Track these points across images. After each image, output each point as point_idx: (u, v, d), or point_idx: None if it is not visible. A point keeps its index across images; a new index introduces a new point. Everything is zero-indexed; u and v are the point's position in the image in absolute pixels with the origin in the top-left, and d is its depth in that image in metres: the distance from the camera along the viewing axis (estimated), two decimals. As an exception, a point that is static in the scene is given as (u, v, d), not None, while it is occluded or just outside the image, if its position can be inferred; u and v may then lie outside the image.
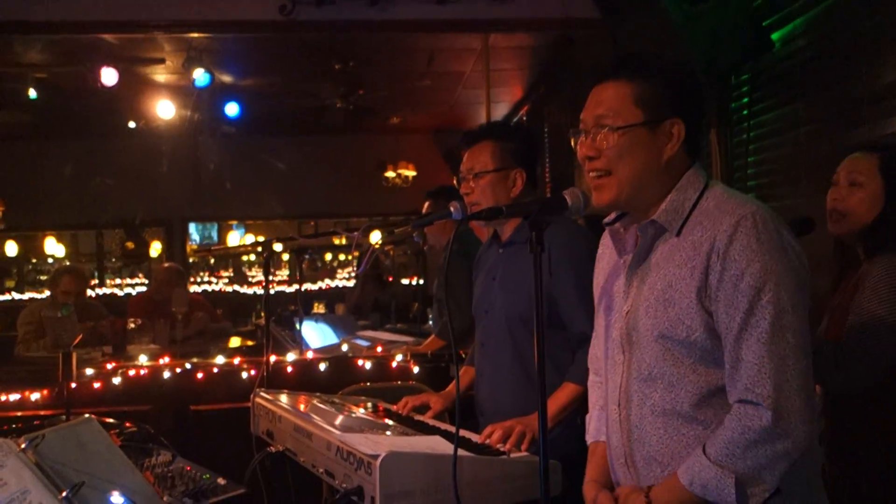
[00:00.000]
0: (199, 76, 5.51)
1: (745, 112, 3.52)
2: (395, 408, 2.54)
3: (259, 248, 2.78)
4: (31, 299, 9.72)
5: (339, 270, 11.58)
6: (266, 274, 2.79)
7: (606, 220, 1.72)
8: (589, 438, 1.86)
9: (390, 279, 7.47)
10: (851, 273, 2.13)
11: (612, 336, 1.67)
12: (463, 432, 2.17)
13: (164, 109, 6.36)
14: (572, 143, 1.65)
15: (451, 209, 2.38)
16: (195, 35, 5.09)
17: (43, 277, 11.06)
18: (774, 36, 3.24)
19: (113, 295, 10.01)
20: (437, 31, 4.83)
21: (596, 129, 1.58)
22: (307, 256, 6.96)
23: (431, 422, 2.41)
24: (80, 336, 2.90)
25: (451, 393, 2.57)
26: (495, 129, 2.50)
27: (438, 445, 1.93)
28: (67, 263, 9.56)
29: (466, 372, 2.65)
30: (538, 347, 1.51)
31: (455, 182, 2.61)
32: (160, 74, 6.20)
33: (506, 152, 2.40)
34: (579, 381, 2.16)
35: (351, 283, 8.94)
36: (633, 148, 1.55)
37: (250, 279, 11.48)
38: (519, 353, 2.33)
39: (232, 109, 6.54)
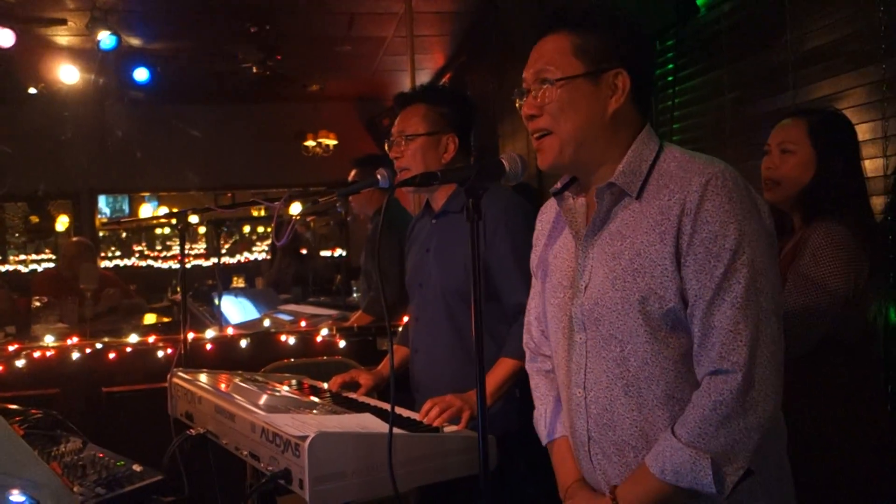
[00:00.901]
0: (105, 38, 5.20)
1: (669, 78, 3.52)
2: (328, 385, 2.45)
3: (174, 220, 2.61)
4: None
5: (258, 243, 11.31)
6: (182, 247, 2.63)
7: (553, 188, 1.63)
8: (546, 438, 1.73)
9: (308, 251, 7.31)
10: (787, 240, 2.14)
11: (568, 314, 1.56)
12: (396, 409, 2.10)
13: (68, 74, 6.00)
14: (517, 105, 1.56)
15: (378, 177, 2.30)
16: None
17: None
18: (699, 1, 3.23)
19: (17, 272, 9.54)
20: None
21: (537, 86, 1.51)
22: (225, 229, 6.74)
23: (361, 398, 2.33)
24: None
25: (381, 371, 2.49)
26: (429, 92, 2.43)
27: (369, 423, 1.85)
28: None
29: (397, 350, 2.57)
30: (475, 321, 1.44)
31: (381, 148, 2.54)
32: (62, 36, 5.82)
33: (439, 116, 2.33)
34: (516, 356, 2.10)
35: (269, 257, 8.72)
36: (574, 101, 1.48)
37: (165, 254, 11.11)
38: (456, 327, 2.26)
39: (141, 75, 6.20)
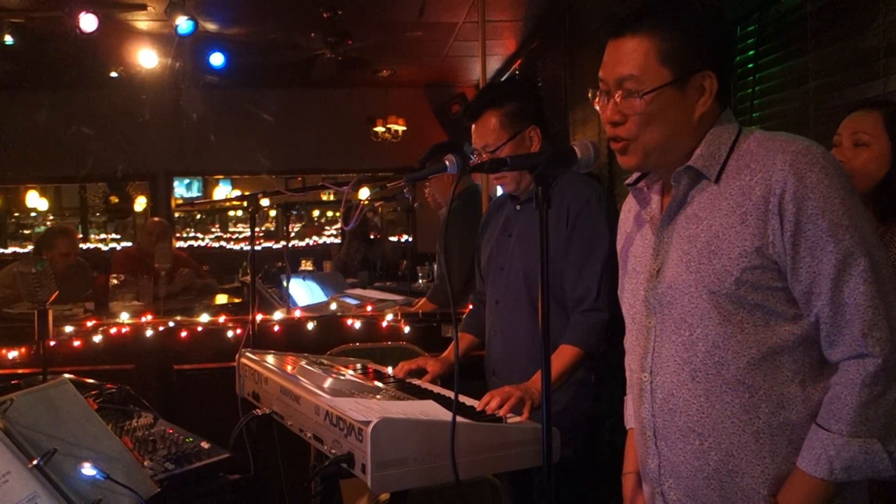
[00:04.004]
0: (183, 24, 5.29)
1: (750, 65, 3.39)
2: (391, 372, 2.47)
3: (245, 203, 2.65)
4: (15, 254, 9.59)
5: (327, 227, 11.46)
6: (252, 230, 2.67)
7: (628, 181, 1.60)
8: (627, 423, 1.75)
9: (377, 236, 7.36)
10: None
11: (640, 299, 1.54)
12: (459, 397, 2.10)
13: (146, 58, 6.15)
14: (595, 102, 1.50)
15: (447, 163, 2.28)
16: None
17: (26, 232, 10.91)
18: (784, -15, 3.10)
19: (97, 250, 9.90)
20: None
21: (620, 92, 1.43)
22: (294, 212, 6.83)
23: (424, 385, 2.33)
24: (57, 292, 2.77)
25: (448, 358, 2.49)
26: (494, 96, 2.40)
27: (432, 410, 1.85)
28: (58, 223, 9.42)
29: (462, 337, 2.57)
30: (543, 311, 1.42)
31: (450, 134, 2.55)
32: (142, 21, 5.96)
33: (513, 115, 2.32)
34: (577, 343, 2.13)
35: (338, 241, 8.83)
36: (662, 111, 1.42)
37: (237, 235, 11.35)
38: (536, 310, 2.26)
39: (217, 59, 6.33)
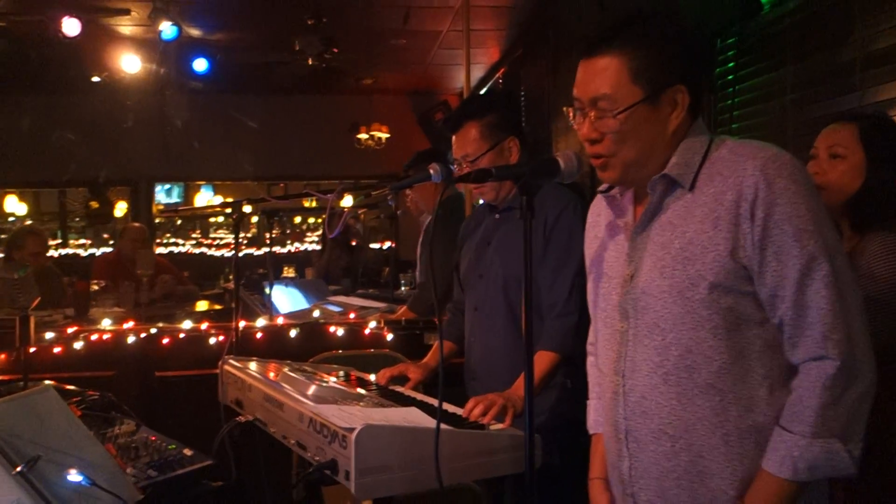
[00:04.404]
0: (167, 29, 5.29)
1: (730, 77, 3.44)
2: (373, 379, 2.49)
3: (228, 210, 2.65)
4: (-9, 259, 9.47)
5: (309, 234, 11.44)
6: (236, 236, 2.68)
7: (601, 188, 1.64)
8: (591, 428, 1.79)
9: (358, 243, 7.35)
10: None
11: (613, 304, 1.57)
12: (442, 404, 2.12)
13: (130, 63, 6.13)
14: (570, 118, 1.54)
15: (431, 171, 2.32)
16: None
17: (3, 236, 10.80)
18: (763, -2, 3.15)
19: (76, 255, 9.81)
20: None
21: (594, 112, 1.47)
22: (277, 219, 6.82)
23: (407, 392, 2.35)
24: (39, 298, 2.76)
25: (429, 364, 2.52)
26: (475, 108, 2.47)
27: (415, 417, 1.86)
28: (28, 223, 9.34)
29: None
30: (526, 317, 1.45)
31: (433, 142, 2.60)
32: (125, 26, 5.95)
33: (492, 126, 2.38)
34: (552, 348, 2.18)
35: (319, 247, 8.81)
36: (637, 128, 1.45)
37: (218, 242, 11.30)
38: (514, 317, 2.34)
39: (200, 65, 6.31)
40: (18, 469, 1.47)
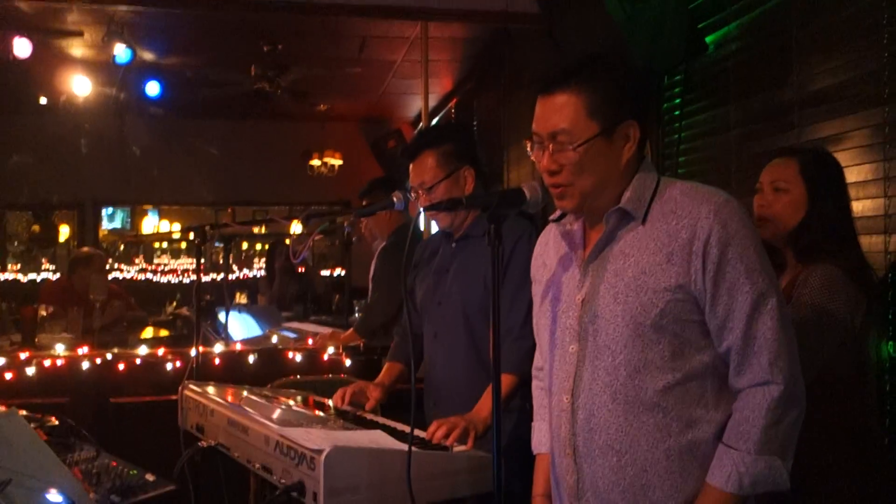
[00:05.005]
0: (121, 52, 5.26)
1: (676, 112, 3.59)
2: (333, 399, 2.50)
3: (191, 235, 2.67)
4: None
5: (256, 260, 11.33)
6: (198, 262, 2.69)
7: (552, 216, 1.74)
8: (536, 448, 1.88)
9: (304, 270, 7.33)
10: (780, 275, 2.19)
11: (561, 326, 1.66)
12: (401, 426, 2.15)
13: (80, 86, 6.06)
14: (529, 150, 1.64)
15: (394, 199, 2.38)
16: (118, 7, 4.83)
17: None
18: (708, 39, 3.32)
19: (16, 281, 9.53)
20: (374, 17, 4.74)
21: (553, 145, 1.58)
22: (231, 244, 6.78)
23: (368, 415, 2.38)
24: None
25: (384, 383, 2.55)
26: (432, 137, 2.54)
27: (381, 440, 1.90)
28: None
29: (392, 366, 2.64)
30: (494, 340, 1.51)
31: (385, 169, 2.65)
32: (77, 48, 5.89)
33: (449, 156, 2.44)
34: (512, 370, 2.22)
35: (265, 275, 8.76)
36: (593, 160, 1.56)
37: (162, 267, 11.10)
38: (473, 341, 2.38)
39: (153, 89, 6.27)
40: (-13, 493, 1.46)
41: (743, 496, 1.49)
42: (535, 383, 1.93)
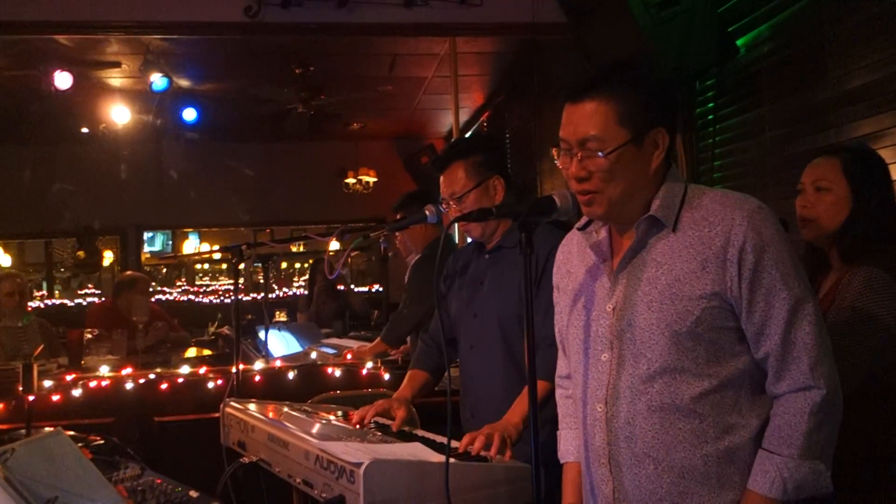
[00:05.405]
0: (157, 80, 5.39)
1: (710, 117, 3.56)
2: (353, 419, 2.47)
3: (229, 255, 2.71)
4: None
5: (296, 279, 11.45)
6: (236, 282, 2.73)
7: (578, 224, 1.73)
8: (563, 457, 1.86)
9: (342, 287, 7.37)
10: (822, 276, 2.15)
11: (591, 335, 1.65)
12: (440, 438, 2.15)
13: (120, 115, 6.22)
14: (555, 158, 1.63)
15: (427, 212, 2.39)
16: (154, 37, 4.96)
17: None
18: (739, 42, 3.29)
19: (63, 305, 9.75)
20: (404, 35, 4.78)
21: (582, 152, 1.57)
22: (270, 263, 6.86)
23: (407, 428, 2.38)
24: (42, 346, 2.78)
25: (405, 397, 2.51)
26: (461, 148, 2.54)
27: (420, 452, 1.90)
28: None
29: (416, 374, 2.61)
30: (529, 349, 1.50)
31: (420, 184, 2.66)
32: (115, 78, 6.05)
33: (478, 165, 2.44)
34: (545, 377, 2.18)
35: (306, 292, 8.84)
36: (623, 167, 1.55)
37: (204, 288, 11.28)
38: (510, 352, 2.37)
39: (189, 115, 6.41)
40: (36, 511, 1.49)
41: (786, 502, 1.47)
42: (559, 391, 1.92)
